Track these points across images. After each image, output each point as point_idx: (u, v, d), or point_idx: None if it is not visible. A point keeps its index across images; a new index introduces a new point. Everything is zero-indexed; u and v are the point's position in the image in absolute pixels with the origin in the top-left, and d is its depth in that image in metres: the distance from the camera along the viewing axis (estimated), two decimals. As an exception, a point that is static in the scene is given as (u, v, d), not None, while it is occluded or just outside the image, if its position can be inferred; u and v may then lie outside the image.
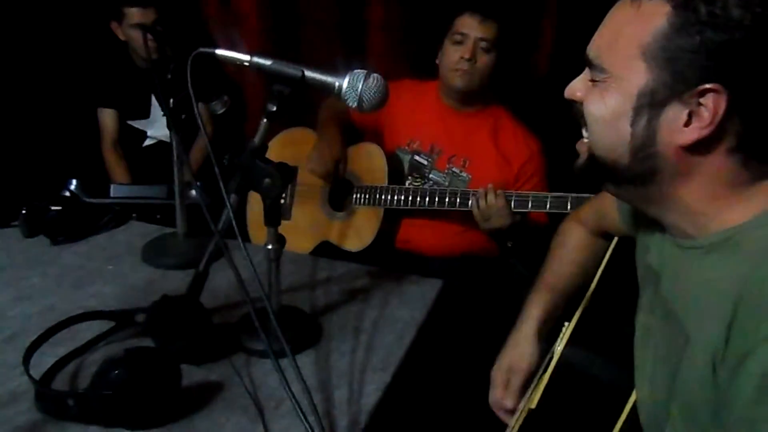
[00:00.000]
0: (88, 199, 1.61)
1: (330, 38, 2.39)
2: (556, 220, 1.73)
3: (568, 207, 1.58)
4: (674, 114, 0.65)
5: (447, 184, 1.84)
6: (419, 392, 1.12)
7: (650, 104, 0.66)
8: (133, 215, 1.64)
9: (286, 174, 0.98)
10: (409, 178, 1.89)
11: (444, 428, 1.24)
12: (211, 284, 1.09)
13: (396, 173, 1.88)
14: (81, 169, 2.15)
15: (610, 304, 1.00)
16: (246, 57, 0.93)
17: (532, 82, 2.16)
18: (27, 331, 1.04)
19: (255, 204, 1.93)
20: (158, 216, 1.73)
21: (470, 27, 1.73)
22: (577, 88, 0.74)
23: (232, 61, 0.94)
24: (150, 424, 0.84)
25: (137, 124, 2.41)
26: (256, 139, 0.97)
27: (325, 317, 1.15)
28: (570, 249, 1.16)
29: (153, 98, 2.39)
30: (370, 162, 1.89)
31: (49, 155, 2.19)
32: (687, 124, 0.65)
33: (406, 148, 1.90)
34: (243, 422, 0.87)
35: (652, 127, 0.67)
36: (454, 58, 1.76)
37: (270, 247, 1.02)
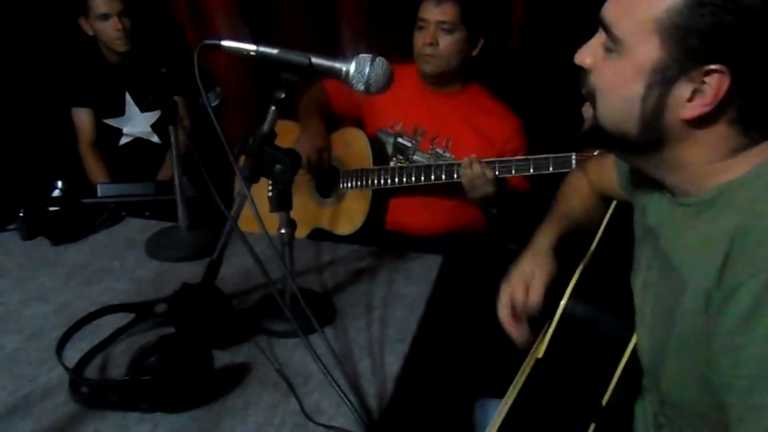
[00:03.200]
0: (82, 200, 1.61)
1: (302, 23, 2.41)
2: (537, 185, 1.81)
3: (550, 168, 1.63)
4: (681, 90, 0.69)
5: (431, 165, 1.89)
6: (429, 362, 1.17)
7: (662, 81, 0.69)
8: (123, 213, 1.64)
9: (296, 160, 1.02)
10: (394, 159, 1.93)
11: (463, 390, 1.30)
12: (219, 273, 1.12)
13: (380, 156, 1.92)
14: (60, 170, 2.13)
15: (606, 262, 1.06)
16: (252, 47, 0.96)
17: (504, 62, 2.21)
18: (45, 329, 1.06)
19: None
20: (147, 213, 1.73)
21: (429, 12, 1.77)
22: (587, 54, 0.76)
23: (238, 51, 0.97)
24: (188, 406, 0.87)
25: (112, 122, 2.39)
26: (265, 127, 1.00)
27: (336, 297, 1.19)
28: (581, 192, 1.18)
29: (127, 95, 2.37)
30: (353, 146, 1.93)
31: (26, 158, 2.16)
32: (690, 99, 0.69)
33: (389, 130, 1.94)
34: (276, 398, 0.91)
35: (661, 103, 0.70)
36: (418, 44, 1.81)
37: (283, 231, 1.05)
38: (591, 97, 0.77)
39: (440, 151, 1.89)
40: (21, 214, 1.37)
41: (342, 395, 0.84)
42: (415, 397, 1.03)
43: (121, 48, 2.23)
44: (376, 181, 1.85)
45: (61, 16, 2.26)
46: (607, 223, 1.12)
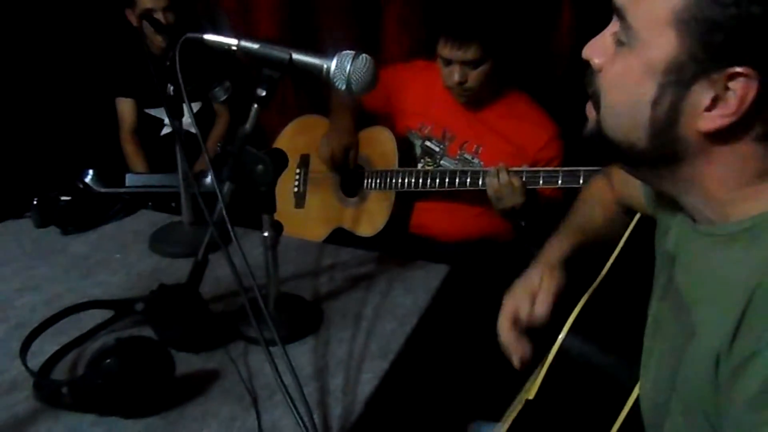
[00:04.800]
0: (102, 189, 1.63)
1: (345, 23, 2.36)
2: (570, 197, 1.69)
3: (581, 181, 1.55)
4: (699, 95, 0.58)
5: (458, 170, 1.81)
6: (418, 380, 1.10)
7: (677, 82, 0.59)
8: (149, 204, 1.65)
9: (279, 161, 0.97)
10: (421, 161, 1.86)
11: (440, 417, 1.22)
12: (216, 272, 1.10)
13: (407, 157, 1.85)
14: (99, 158, 2.18)
15: (618, 292, 0.95)
16: (233, 41, 0.92)
17: (553, 78, 2.09)
18: (32, 320, 1.05)
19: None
20: (173, 204, 1.74)
21: (451, 53, 1.66)
22: (597, 49, 0.66)
23: (220, 46, 0.93)
24: (143, 413, 0.84)
25: (154, 112, 2.43)
26: (247, 126, 0.95)
27: (327, 304, 1.14)
28: (602, 201, 1.08)
29: (169, 86, 2.40)
30: (380, 146, 1.87)
31: (66, 146, 2.22)
32: (709, 108, 0.58)
33: (417, 132, 1.87)
34: (236, 410, 0.87)
35: (676, 109, 0.60)
36: (447, 79, 1.72)
37: (266, 234, 1.01)
38: (595, 99, 0.67)
39: (469, 156, 1.80)
40: (35, 202, 1.39)
41: (296, 415, 0.79)
42: (390, 419, 0.96)
43: (162, 43, 2.25)
44: (399, 183, 1.79)
45: (108, 6, 2.31)
46: (626, 242, 1.01)
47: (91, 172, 1.71)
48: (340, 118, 1.89)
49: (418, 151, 1.86)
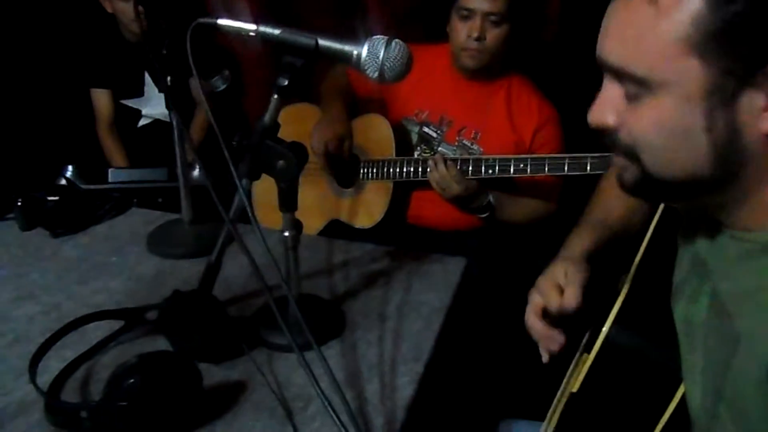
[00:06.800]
0: (85, 186, 1.54)
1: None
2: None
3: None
4: (750, 101, 0.56)
5: (458, 157, 1.76)
6: (454, 382, 1.06)
7: (722, 101, 0.56)
8: (134, 200, 1.56)
9: (301, 154, 0.91)
10: (418, 149, 1.81)
11: (486, 410, 1.18)
12: (224, 273, 1.02)
13: (404, 145, 1.80)
14: (76, 153, 2.06)
15: (658, 280, 0.92)
16: (252, 27, 0.85)
17: (541, 48, 2.05)
18: (31, 333, 0.98)
19: (260, 183, 1.86)
20: (160, 200, 1.65)
21: (476, 1, 1.61)
22: (606, 112, 0.63)
23: (237, 31, 0.86)
24: (171, 434, 0.78)
25: (131, 103, 2.31)
26: (267, 118, 0.89)
27: (347, 304, 1.08)
28: (620, 194, 1.06)
29: (146, 75, 2.29)
30: (376, 134, 1.81)
31: (41, 141, 2.09)
32: (767, 107, 0.56)
33: (414, 118, 1.81)
34: (272, 425, 0.81)
35: (733, 124, 0.57)
36: (462, 36, 1.65)
37: (287, 233, 0.94)
38: (630, 154, 0.64)
39: (467, 142, 1.75)
40: (19, 203, 1.29)
41: (342, 428, 0.73)
42: (430, 423, 0.92)
43: (137, 29, 2.13)
44: (397, 173, 1.73)
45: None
46: (655, 228, 0.98)
47: (70, 168, 1.61)
48: (331, 106, 1.82)
49: (415, 138, 1.81)
